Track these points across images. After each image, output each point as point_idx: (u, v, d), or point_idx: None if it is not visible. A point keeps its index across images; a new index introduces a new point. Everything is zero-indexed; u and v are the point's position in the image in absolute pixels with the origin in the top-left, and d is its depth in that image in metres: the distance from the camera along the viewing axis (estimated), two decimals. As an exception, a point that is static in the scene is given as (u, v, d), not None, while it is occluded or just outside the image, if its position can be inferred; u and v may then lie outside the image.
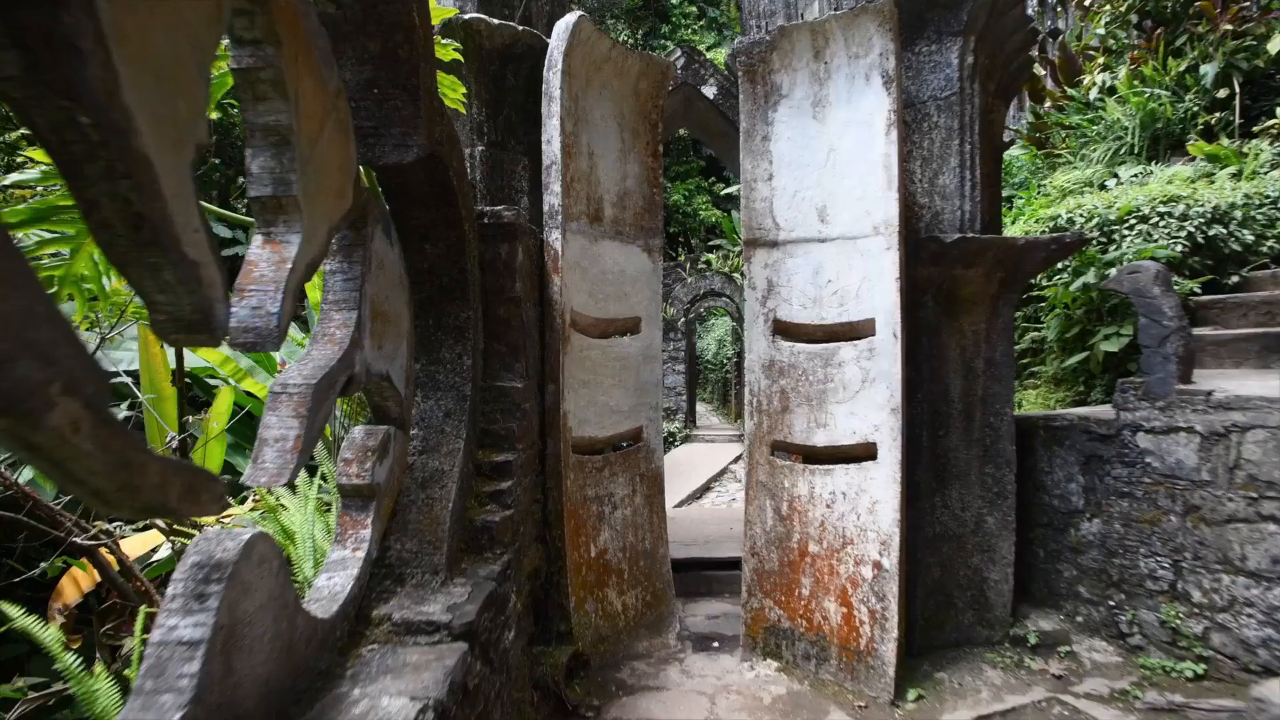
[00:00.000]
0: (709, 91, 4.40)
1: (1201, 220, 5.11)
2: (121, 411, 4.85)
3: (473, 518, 2.49)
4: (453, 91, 3.38)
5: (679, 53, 4.53)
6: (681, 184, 21.30)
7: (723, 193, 20.36)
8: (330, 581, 1.88)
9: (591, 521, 3.42)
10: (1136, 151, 8.21)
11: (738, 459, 13.46)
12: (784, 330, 3.49)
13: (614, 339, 3.64)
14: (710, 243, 19.97)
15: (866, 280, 3.29)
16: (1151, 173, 7.21)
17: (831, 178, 3.39)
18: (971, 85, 3.40)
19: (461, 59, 3.33)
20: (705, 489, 11.49)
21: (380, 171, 2.15)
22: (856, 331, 3.33)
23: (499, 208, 2.72)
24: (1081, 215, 5.90)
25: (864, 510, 3.27)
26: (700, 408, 19.79)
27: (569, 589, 3.18)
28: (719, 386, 20.25)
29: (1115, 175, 7.75)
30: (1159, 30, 8.33)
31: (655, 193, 3.86)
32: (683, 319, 15.63)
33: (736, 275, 15.24)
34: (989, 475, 3.65)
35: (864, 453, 3.32)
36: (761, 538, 3.51)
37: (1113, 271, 5.42)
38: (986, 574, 3.62)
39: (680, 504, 9.86)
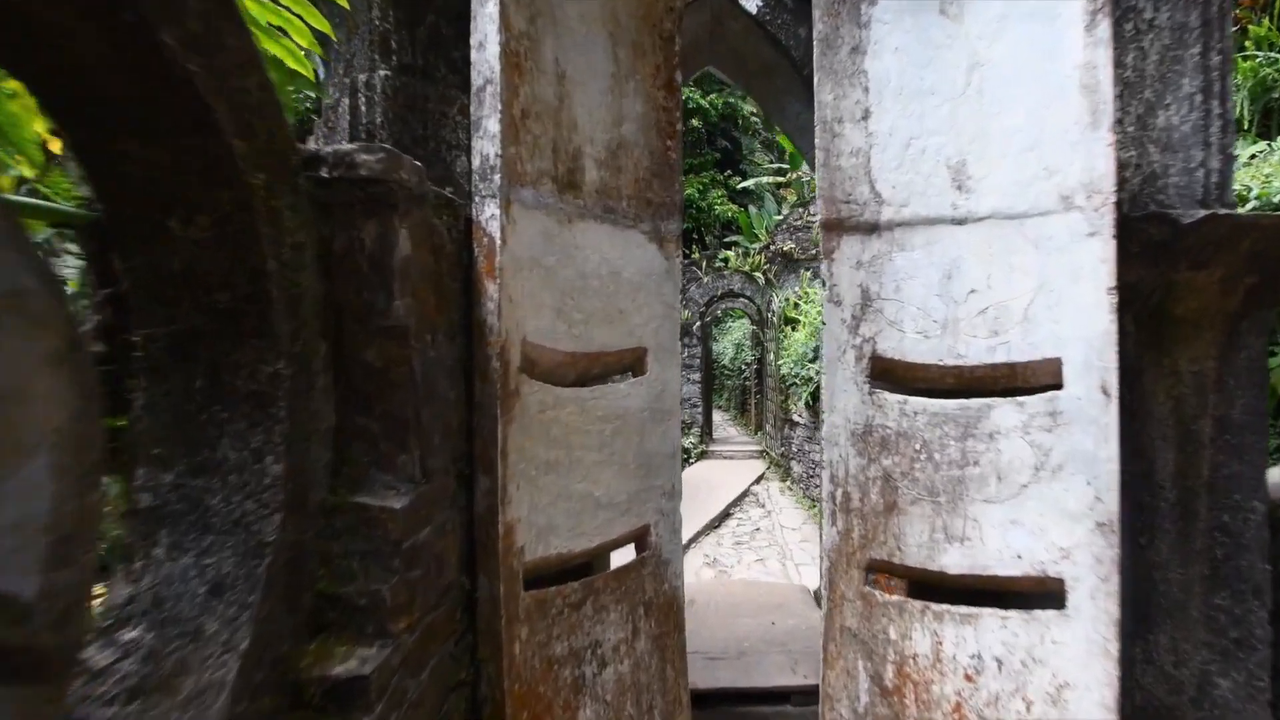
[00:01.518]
0: (750, 5, 2.97)
1: None
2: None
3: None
4: (325, -32, 2.01)
5: (704, -54, 3.10)
6: (695, 178, 19.85)
7: (739, 186, 18.85)
8: None
9: (563, 698, 2.02)
10: (1245, 127, 6.79)
11: (760, 479, 12.12)
12: (890, 373, 2.07)
13: (601, 386, 2.21)
14: (726, 239, 18.50)
15: (1044, 290, 1.86)
16: (1274, 151, 5.78)
17: (976, 113, 1.96)
18: (1224, -52, 1.95)
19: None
20: (725, 515, 10.24)
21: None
22: (1024, 379, 1.90)
23: (351, 146, 1.32)
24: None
25: (1039, 695, 1.84)
26: (716, 416, 18.53)
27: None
28: (736, 394, 18.92)
29: (1223, 155, 6.27)
30: (1269, -19, 6.82)
31: (671, 146, 2.44)
32: (698, 322, 14.29)
33: (757, 274, 13.95)
34: (1220, 609, 2.20)
35: (1037, 589, 1.89)
36: (849, 724, 2.09)
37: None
38: (1219, 775, 2.18)
39: (696, 536, 8.51)
